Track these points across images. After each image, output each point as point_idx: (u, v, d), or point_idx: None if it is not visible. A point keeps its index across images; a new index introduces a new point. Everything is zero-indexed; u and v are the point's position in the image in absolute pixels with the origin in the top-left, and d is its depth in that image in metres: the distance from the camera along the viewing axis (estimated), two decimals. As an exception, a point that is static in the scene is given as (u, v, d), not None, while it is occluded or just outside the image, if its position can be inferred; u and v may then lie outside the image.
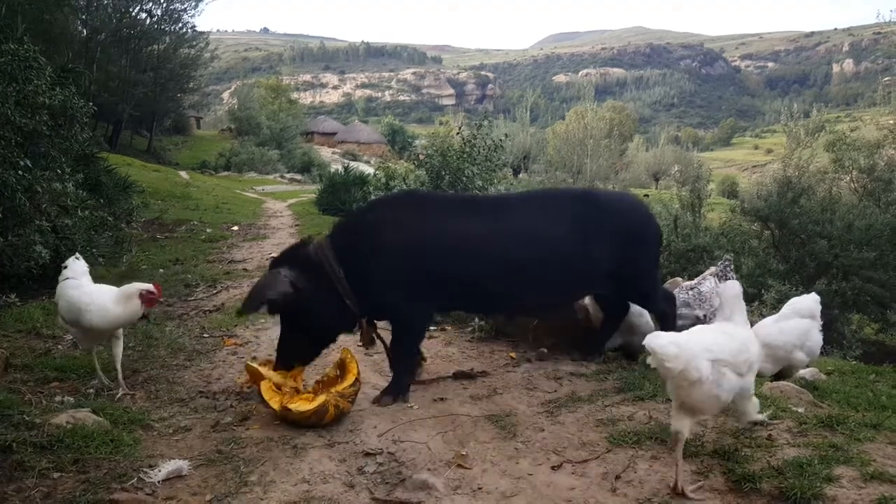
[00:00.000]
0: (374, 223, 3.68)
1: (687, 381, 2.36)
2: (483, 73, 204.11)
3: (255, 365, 3.49)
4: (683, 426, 2.45)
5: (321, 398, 3.13)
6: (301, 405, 3.12)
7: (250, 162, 34.35)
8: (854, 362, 5.47)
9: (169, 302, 5.74)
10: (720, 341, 2.47)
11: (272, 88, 52.04)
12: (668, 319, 4.14)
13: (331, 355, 3.98)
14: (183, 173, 25.61)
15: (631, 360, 4.23)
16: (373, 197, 11.42)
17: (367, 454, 2.86)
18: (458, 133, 11.10)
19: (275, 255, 8.91)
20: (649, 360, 2.37)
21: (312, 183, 28.83)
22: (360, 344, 3.77)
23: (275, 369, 3.47)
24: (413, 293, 3.55)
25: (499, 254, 3.63)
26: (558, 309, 4.34)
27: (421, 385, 3.77)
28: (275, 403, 3.19)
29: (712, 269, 4.31)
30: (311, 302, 3.39)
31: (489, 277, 3.65)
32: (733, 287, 2.73)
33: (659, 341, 2.33)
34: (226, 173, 31.98)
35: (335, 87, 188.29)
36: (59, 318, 3.60)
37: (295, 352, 3.50)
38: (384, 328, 3.80)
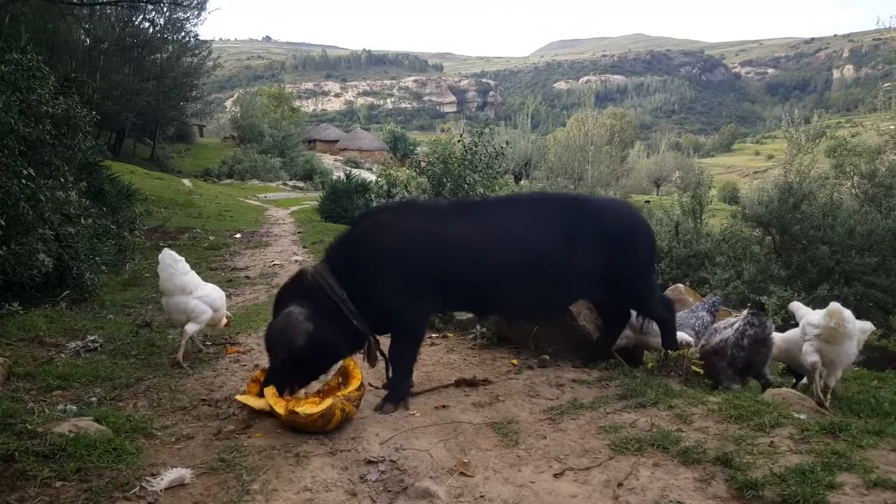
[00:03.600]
0: (365, 232, 3.69)
1: (847, 337, 3.53)
2: (484, 80, 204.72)
3: (250, 402, 3.41)
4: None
5: (328, 401, 3.13)
6: (308, 408, 3.12)
7: (253, 170, 34.45)
8: (856, 368, 5.46)
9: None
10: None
11: (274, 96, 52.18)
12: (668, 325, 4.15)
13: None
14: (186, 181, 25.65)
15: (633, 366, 4.23)
16: (373, 204, 11.46)
17: (370, 462, 2.86)
18: (459, 140, 11.13)
19: (277, 262, 8.94)
20: (829, 320, 3.50)
21: (315, 190, 28.93)
22: (364, 360, 3.75)
23: (263, 389, 3.41)
24: (408, 296, 3.56)
25: (485, 256, 3.67)
26: (552, 313, 4.36)
27: (423, 392, 3.77)
28: (280, 408, 3.19)
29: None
30: (322, 334, 3.35)
31: (476, 279, 3.68)
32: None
33: (839, 307, 3.52)
34: (228, 181, 32.07)
35: (337, 95, 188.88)
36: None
37: (297, 379, 3.45)
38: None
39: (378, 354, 3.71)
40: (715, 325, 4.28)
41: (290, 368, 3.39)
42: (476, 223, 3.79)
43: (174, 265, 4.36)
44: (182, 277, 4.37)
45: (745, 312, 4.09)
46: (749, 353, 3.89)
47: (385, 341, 3.75)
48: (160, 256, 4.38)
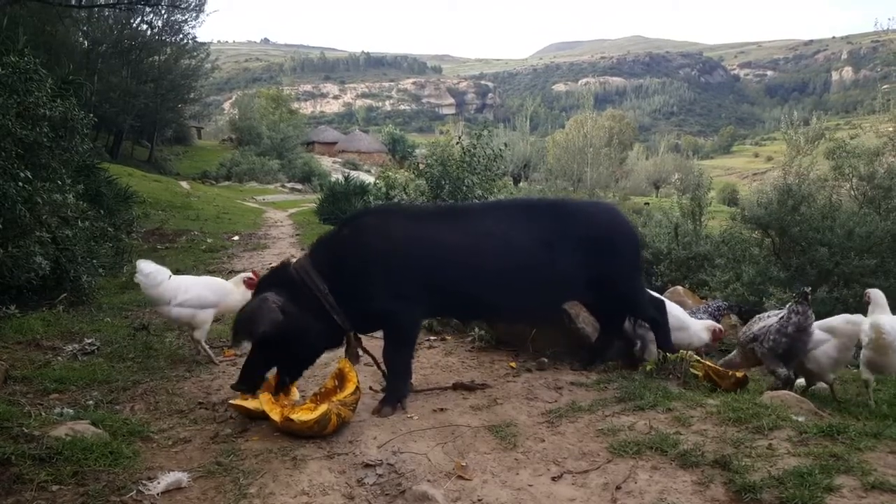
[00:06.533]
0: (355, 233, 3.69)
1: (891, 348, 3.81)
2: (483, 82, 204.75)
3: (244, 404, 3.39)
4: (871, 377, 4.03)
5: (323, 407, 3.12)
6: (303, 415, 3.12)
7: (251, 172, 34.45)
8: (855, 370, 5.45)
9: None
10: None
11: (273, 98, 52.22)
12: (660, 326, 4.17)
13: (329, 366, 3.98)
14: (184, 183, 25.66)
15: (632, 368, 4.23)
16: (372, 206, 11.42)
17: (367, 465, 2.85)
18: (457, 142, 11.11)
19: (275, 264, 8.93)
20: (869, 332, 3.83)
21: (313, 192, 28.92)
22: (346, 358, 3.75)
23: (238, 389, 3.41)
24: (397, 298, 3.56)
25: (470, 260, 3.69)
26: (539, 317, 4.36)
27: (421, 396, 3.77)
28: (275, 415, 3.18)
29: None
30: (299, 324, 3.37)
31: (461, 283, 3.69)
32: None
33: (884, 321, 3.86)
34: (226, 183, 32.05)
35: (336, 97, 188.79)
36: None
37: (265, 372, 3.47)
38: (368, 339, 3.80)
39: (360, 352, 3.70)
40: (758, 315, 4.41)
41: (263, 357, 3.41)
42: (461, 227, 3.81)
43: (144, 278, 4.36)
44: (155, 289, 4.36)
45: (788, 304, 4.16)
46: (791, 340, 3.97)
47: (376, 343, 3.75)
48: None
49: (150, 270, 4.39)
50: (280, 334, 3.31)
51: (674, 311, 4.45)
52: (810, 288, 4.17)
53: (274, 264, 8.63)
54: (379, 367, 3.76)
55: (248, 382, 3.42)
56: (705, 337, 4.55)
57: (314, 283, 3.46)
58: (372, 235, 3.65)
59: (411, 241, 3.65)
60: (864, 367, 4.00)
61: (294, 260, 3.72)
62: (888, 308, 4.14)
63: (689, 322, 4.56)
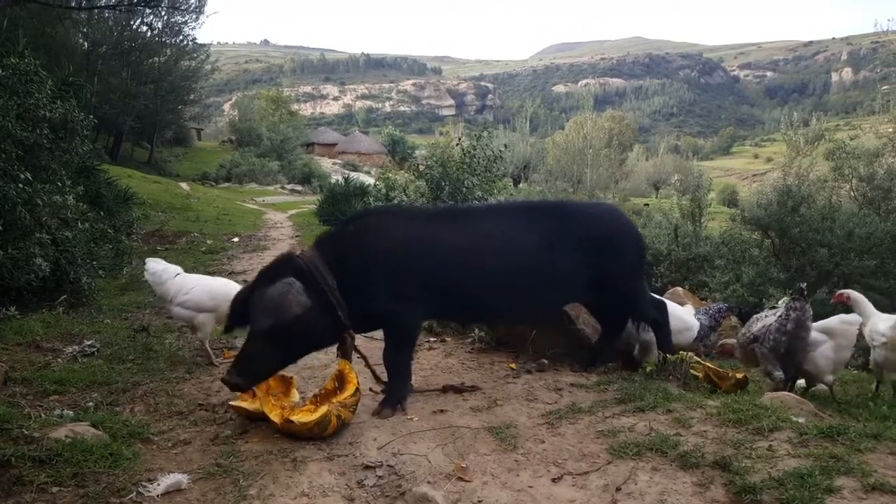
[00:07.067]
0: (357, 232, 3.69)
1: None
2: (483, 83, 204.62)
3: (243, 405, 3.37)
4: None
5: (323, 409, 3.13)
6: (303, 416, 3.12)
7: (251, 173, 34.43)
8: (855, 371, 5.46)
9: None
10: None
11: (273, 100, 52.30)
12: (661, 328, 4.17)
13: (329, 368, 3.98)
14: (183, 185, 25.67)
15: (632, 370, 4.23)
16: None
17: (367, 467, 2.85)
18: (457, 144, 11.11)
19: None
20: (891, 332, 3.87)
21: (313, 194, 28.91)
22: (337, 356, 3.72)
23: (234, 382, 3.28)
24: (398, 299, 3.56)
25: (470, 262, 3.69)
26: (541, 319, 4.36)
27: (421, 397, 3.76)
28: (275, 416, 3.18)
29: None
30: (309, 316, 3.32)
31: (463, 285, 3.69)
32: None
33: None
34: (226, 184, 32.04)
35: (335, 98, 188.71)
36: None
37: (270, 361, 3.36)
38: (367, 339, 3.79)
39: (354, 352, 3.68)
40: (756, 315, 4.38)
41: (269, 344, 3.29)
42: (462, 228, 3.82)
43: (151, 276, 4.50)
44: (161, 287, 4.49)
45: (782, 300, 4.16)
46: (791, 338, 3.95)
47: (376, 345, 3.74)
48: None
49: (155, 269, 4.50)
50: (294, 324, 3.26)
51: (676, 311, 4.45)
52: (805, 284, 4.14)
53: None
54: (370, 369, 3.74)
55: (248, 374, 3.27)
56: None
57: (322, 276, 3.43)
58: (373, 236, 3.65)
59: (412, 241, 3.65)
60: (886, 370, 4.02)
61: (298, 252, 3.69)
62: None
63: (693, 322, 4.57)
